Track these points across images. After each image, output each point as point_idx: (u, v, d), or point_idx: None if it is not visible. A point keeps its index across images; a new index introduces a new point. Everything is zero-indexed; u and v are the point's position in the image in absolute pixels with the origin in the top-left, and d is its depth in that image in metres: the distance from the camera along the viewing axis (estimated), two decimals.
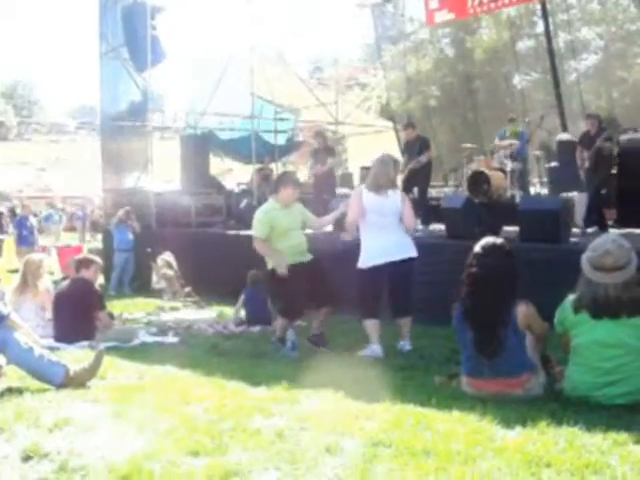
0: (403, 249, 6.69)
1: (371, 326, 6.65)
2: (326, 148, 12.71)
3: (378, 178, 6.76)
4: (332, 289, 7.00)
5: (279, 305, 7.38)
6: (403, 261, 6.66)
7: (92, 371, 5.23)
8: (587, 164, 9.81)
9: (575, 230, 8.99)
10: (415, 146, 11.36)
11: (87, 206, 30.64)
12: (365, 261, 6.68)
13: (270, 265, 7.06)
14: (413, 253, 6.74)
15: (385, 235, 6.64)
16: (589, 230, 9.22)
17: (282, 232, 7.01)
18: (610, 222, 9.62)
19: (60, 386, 5.01)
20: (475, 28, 24.58)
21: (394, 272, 6.64)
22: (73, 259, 8.77)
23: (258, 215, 7.11)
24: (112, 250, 13.27)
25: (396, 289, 6.77)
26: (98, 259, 8.23)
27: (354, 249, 6.85)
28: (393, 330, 6.86)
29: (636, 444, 3.54)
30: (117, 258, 13.04)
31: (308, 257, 7.18)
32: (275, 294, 7.39)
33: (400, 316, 6.78)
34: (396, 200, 6.77)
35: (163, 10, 15.06)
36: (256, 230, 7.05)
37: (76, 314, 7.42)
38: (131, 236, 13.11)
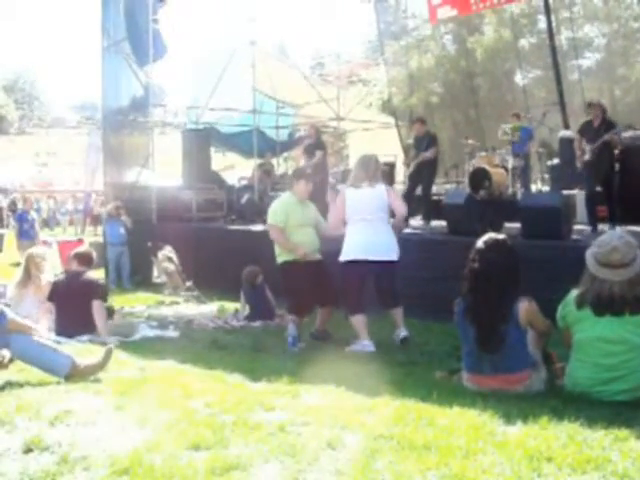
0: (385, 250, 6.69)
1: (359, 322, 6.66)
2: (317, 143, 12.67)
3: (356, 174, 6.87)
4: (335, 288, 7.07)
5: (288, 302, 7.41)
6: (384, 262, 6.68)
7: (100, 367, 5.24)
8: (588, 156, 9.14)
9: (576, 227, 8.96)
10: (423, 142, 11.34)
11: (88, 200, 30.61)
12: (345, 254, 6.73)
13: (280, 259, 7.16)
14: (394, 256, 6.73)
15: (370, 232, 6.66)
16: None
17: (296, 225, 7.12)
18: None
19: (66, 377, 5.03)
20: (477, 25, 24.57)
21: (377, 271, 6.69)
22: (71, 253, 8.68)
23: (274, 205, 7.30)
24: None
25: (381, 287, 6.82)
26: (91, 252, 8.16)
27: None
28: (389, 326, 6.88)
29: (637, 440, 3.53)
30: (110, 252, 13.07)
31: (317, 257, 7.26)
32: (285, 290, 7.38)
33: (390, 308, 6.83)
34: (380, 194, 6.77)
35: (165, 4, 15.02)
36: (272, 218, 7.18)
37: (77, 308, 7.39)
38: (122, 230, 13.10)
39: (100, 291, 7.63)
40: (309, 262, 7.08)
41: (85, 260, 7.81)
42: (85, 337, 7.20)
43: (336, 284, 7.05)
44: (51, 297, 7.56)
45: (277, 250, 7.24)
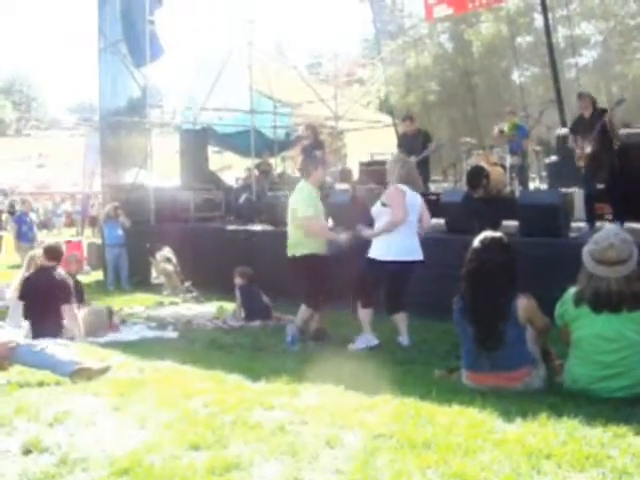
0: (419, 250, 6.75)
1: (366, 315, 6.70)
2: (315, 142, 12.66)
3: (405, 177, 6.77)
4: (334, 285, 7.09)
5: (309, 295, 7.19)
6: (413, 262, 6.71)
7: (100, 373, 5.24)
8: (589, 149, 8.68)
9: (575, 225, 8.95)
10: (417, 139, 11.32)
11: (87, 202, 30.60)
12: (385, 254, 6.61)
13: (304, 252, 7.06)
14: (422, 256, 6.77)
15: (409, 234, 6.68)
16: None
17: (320, 214, 7.15)
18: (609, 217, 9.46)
19: (71, 375, 5.03)
20: (474, 23, 24.58)
21: (401, 270, 6.67)
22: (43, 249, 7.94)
23: (300, 198, 7.13)
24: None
25: (395, 287, 6.80)
26: (60, 246, 7.91)
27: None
28: (391, 325, 6.87)
29: (636, 436, 3.55)
30: (108, 254, 13.03)
31: (326, 248, 7.25)
32: (310, 283, 7.16)
33: (396, 313, 6.80)
34: (419, 200, 6.87)
35: (161, 5, 15.00)
36: (307, 210, 7.03)
37: (45, 307, 7.14)
38: (121, 231, 13.06)
39: (67, 294, 7.31)
40: (326, 256, 7.10)
41: (53, 254, 7.53)
42: (79, 338, 7.13)
43: (336, 280, 7.06)
44: (22, 295, 7.39)
45: (298, 241, 7.11)
